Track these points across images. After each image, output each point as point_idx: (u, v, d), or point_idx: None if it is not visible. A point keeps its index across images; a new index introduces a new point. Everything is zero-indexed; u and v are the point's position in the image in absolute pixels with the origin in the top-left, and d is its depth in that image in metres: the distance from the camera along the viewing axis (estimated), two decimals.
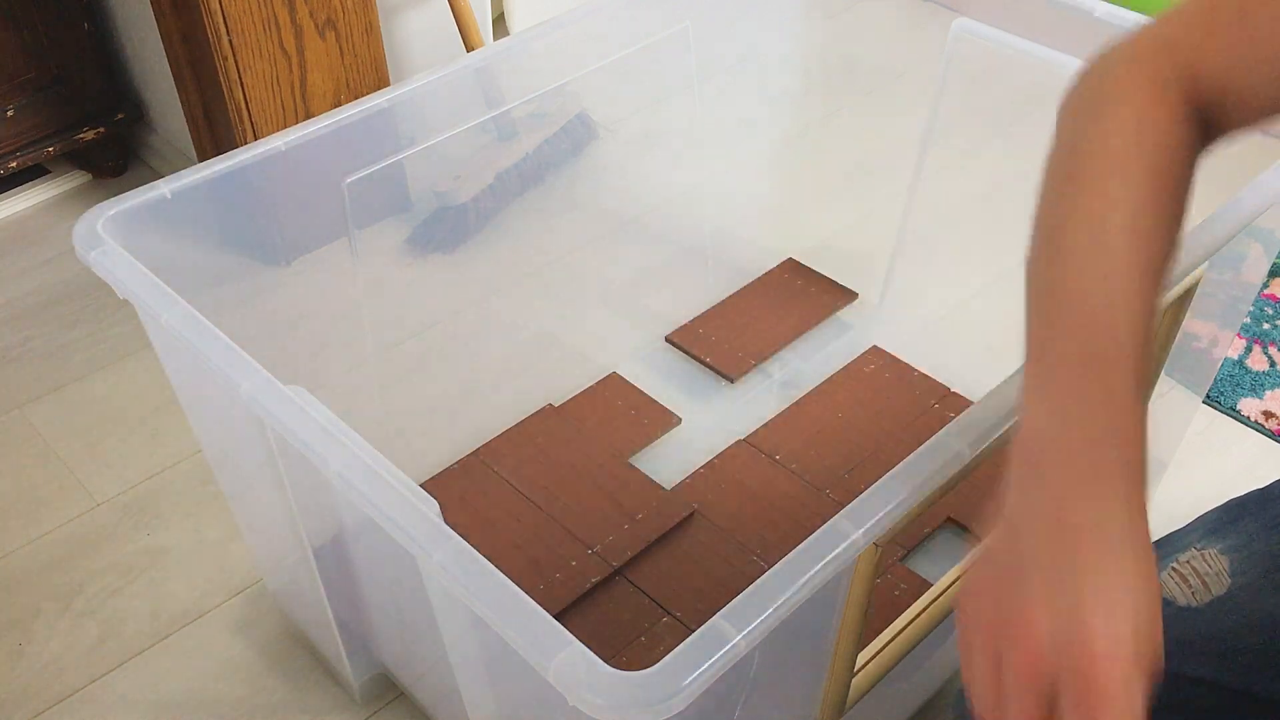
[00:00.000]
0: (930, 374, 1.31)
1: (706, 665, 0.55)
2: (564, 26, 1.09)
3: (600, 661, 0.54)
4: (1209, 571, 0.72)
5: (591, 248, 1.36)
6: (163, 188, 0.88)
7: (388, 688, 1.06)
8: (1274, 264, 1.32)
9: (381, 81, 1.43)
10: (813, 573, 0.59)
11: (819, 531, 0.61)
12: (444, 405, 1.24)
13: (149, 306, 0.78)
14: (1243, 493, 0.78)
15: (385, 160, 1.03)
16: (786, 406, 1.28)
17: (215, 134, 1.41)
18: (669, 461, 1.24)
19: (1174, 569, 0.73)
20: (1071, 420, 0.47)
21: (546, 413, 1.27)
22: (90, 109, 1.62)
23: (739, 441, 1.24)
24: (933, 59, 1.21)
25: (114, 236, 0.83)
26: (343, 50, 1.37)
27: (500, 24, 1.80)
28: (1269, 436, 1.29)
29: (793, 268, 1.47)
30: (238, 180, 0.92)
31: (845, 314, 1.42)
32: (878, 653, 0.76)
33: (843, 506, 0.62)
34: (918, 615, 0.77)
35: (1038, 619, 0.44)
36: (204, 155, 1.47)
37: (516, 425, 1.26)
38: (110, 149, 1.68)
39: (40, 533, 1.21)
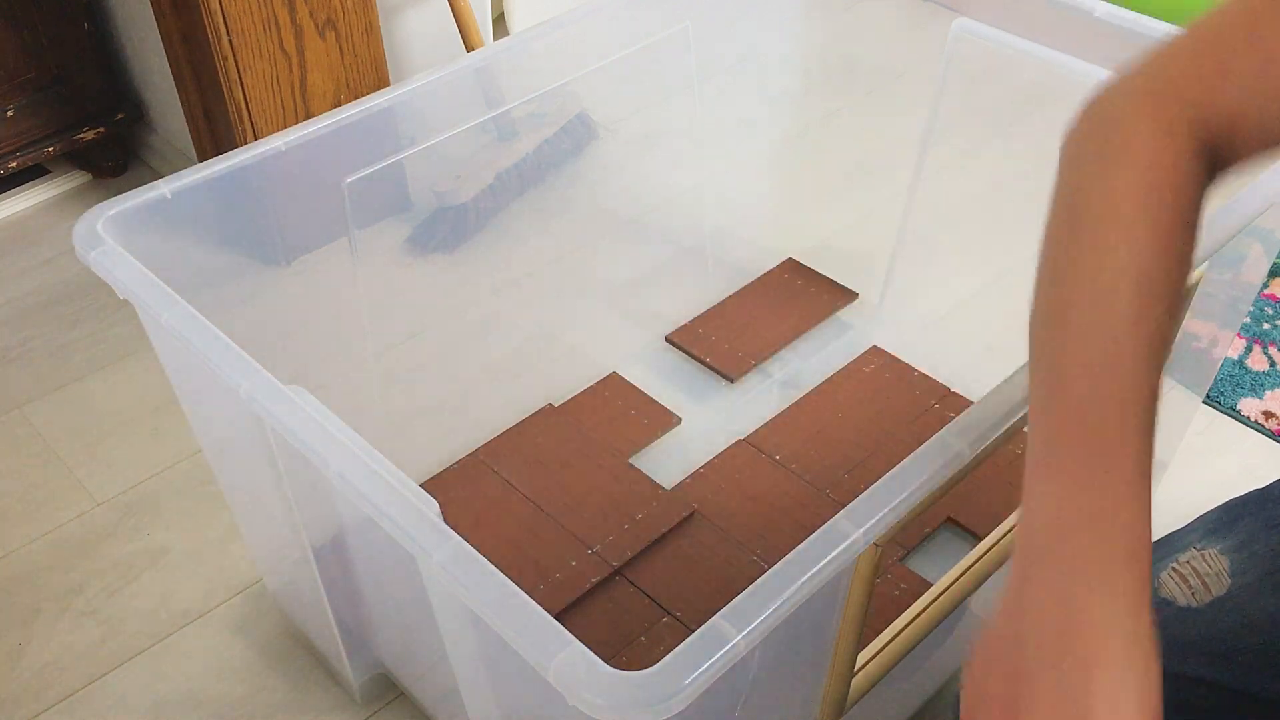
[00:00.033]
0: (930, 374, 1.31)
1: (706, 665, 0.55)
2: (564, 26, 1.09)
3: (600, 661, 0.54)
4: (1209, 572, 0.72)
5: (591, 248, 1.36)
6: (163, 188, 0.88)
7: (388, 688, 1.06)
8: (1274, 264, 1.32)
9: (381, 81, 1.43)
10: (813, 573, 0.59)
11: (819, 531, 0.61)
12: (444, 405, 1.24)
13: (149, 306, 0.78)
14: (1243, 493, 0.78)
15: (385, 160, 1.03)
16: (786, 406, 1.28)
17: (215, 134, 1.41)
18: (669, 461, 1.24)
19: (1174, 569, 0.73)
20: (1076, 512, 0.47)
21: (546, 413, 1.27)
22: (90, 109, 1.62)
23: (739, 441, 1.24)
24: (933, 59, 1.21)
25: (114, 236, 0.83)
26: (343, 50, 1.37)
27: (500, 24, 1.80)
28: (1269, 436, 1.29)
29: (793, 268, 1.47)
30: (238, 180, 0.92)
31: (845, 314, 1.42)
32: (878, 653, 0.76)
33: (843, 506, 0.62)
34: (918, 615, 0.77)
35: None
36: (204, 155, 1.47)
37: (516, 425, 1.26)
38: (110, 149, 1.68)
39: (40, 533, 1.21)
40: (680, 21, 1.23)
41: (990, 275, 1.25)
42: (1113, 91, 0.55)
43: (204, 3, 1.24)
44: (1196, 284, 0.84)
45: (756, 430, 1.25)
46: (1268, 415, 1.31)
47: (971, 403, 0.82)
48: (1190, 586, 0.72)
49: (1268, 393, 1.33)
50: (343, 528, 0.86)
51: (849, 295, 1.42)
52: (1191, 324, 0.96)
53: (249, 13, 1.27)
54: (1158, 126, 0.52)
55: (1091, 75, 1.04)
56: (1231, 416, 1.31)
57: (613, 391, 1.31)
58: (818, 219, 1.54)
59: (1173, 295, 0.51)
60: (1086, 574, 0.46)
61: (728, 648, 0.55)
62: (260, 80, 1.32)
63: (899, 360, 1.33)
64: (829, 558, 0.60)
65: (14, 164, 1.57)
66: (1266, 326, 1.42)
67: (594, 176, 1.35)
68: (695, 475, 1.20)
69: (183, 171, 0.89)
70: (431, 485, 1.19)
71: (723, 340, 1.37)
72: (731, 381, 1.33)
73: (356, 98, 1.15)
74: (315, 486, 0.81)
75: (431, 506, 0.64)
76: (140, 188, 0.88)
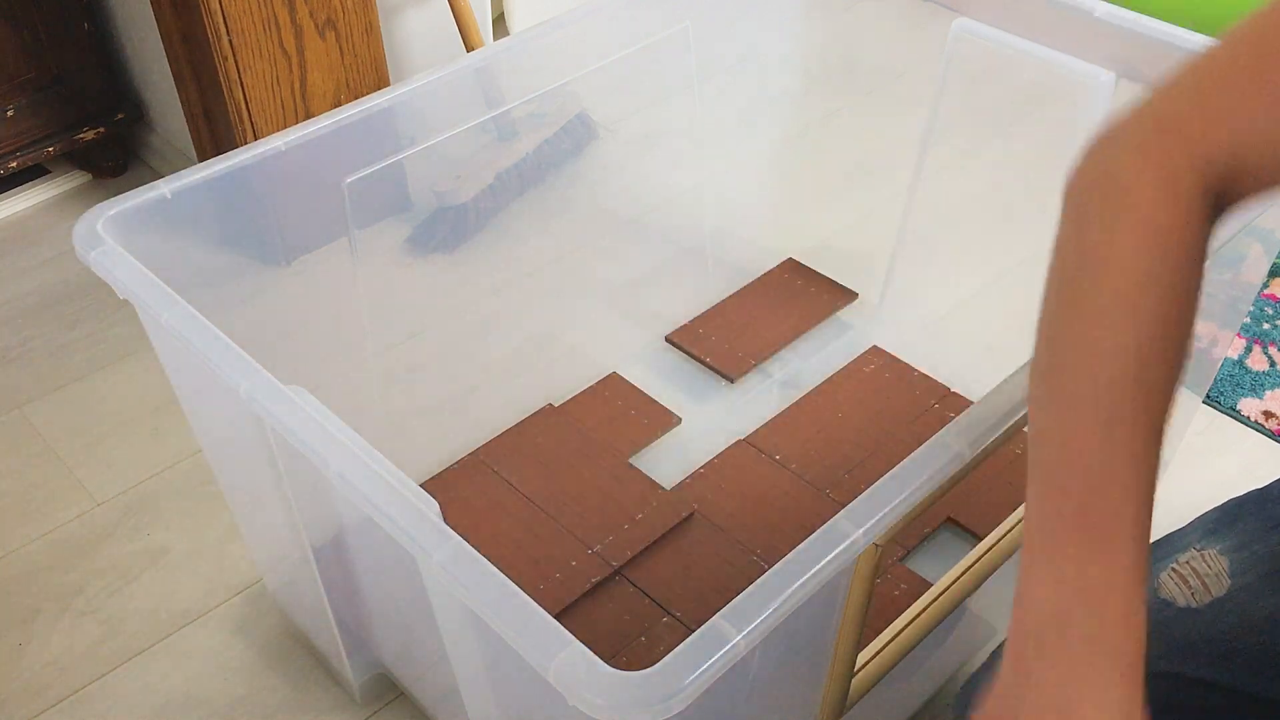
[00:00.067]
0: (930, 374, 1.31)
1: (706, 665, 0.55)
2: (564, 26, 1.09)
3: (600, 661, 0.54)
4: (1209, 572, 0.72)
5: (591, 248, 1.36)
6: (163, 188, 0.88)
7: (388, 688, 1.06)
8: (1274, 264, 1.32)
9: (381, 81, 1.43)
10: (813, 573, 0.59)
11: (819, 531, 0.61)
12: (444, 405, 1.24)
13: (149, 306, 0.78)
14: (1242, 493, 0.78)
15: (385, 160, 1.03)
16: (786, 406, 1.28)
17: (215, 134, 1.41)
18: (669, 461, 1.24)
19: (1174, 570, 0.73)
20: (1075, 601, 0.47)
21: (546, 413, 1.27)
22: (90, 109, 1.62)
23: (739, 441, 1.24)
24: (933, 59, 1.21)
25: (114, 236, 0.83)
26: (343, 50, 1.37)
27: (500, 24, 1.80)
28: (1269, 436, 1.29)
29: (793, 268, 1.47)
30: (237, 180, 0.92)
31: (845, 314, 1.42)
32: (878, 653, 0.76)
33: (843, 506, 0.63)
34: (918, 615, 0.77)
35: None
36: (204, 155, 1.47)
37: (516, 425, 1.26)
38: (110, 149, 1.68)
39: (40, 533, 1.21)
40: (680, 21, 1.23)
41: (990, 275, 1.25)
42: (1115, 135, 0.53)
43: (204, 3, 1.24)
44: None
45: (756, 430, 1.25)
46: (1268, 415, 1.31)
47: (971, 403, 0.82)
48: (1190, 587, 0.72)
49: (1268, 393, 1.33)
50: (343, 528, 0.86)
51: (849, 295, 1.42)
52: None
53: (249, 13, 1.27)
54: (1161, 177, 0.51)
55: (1091, 75, 1.04)
56: (1231, 416, 1.31)
57: (613, 391, 1.31)
58: (818, 219, 1.54)
59: (1175, 370, 0.50)
60: (1083, 684, 0.46)
61: (728, 648, 0.55)
62: (260, 80, 1.32)
63: (899, 360, 1.33)
64: (829, 558, 0.60)
65: (14, 164, 1.57)
66: (1266, 326, 1.42)
67: (594, 176, 1.35)
68: (695, 475, 1.20)
69: (183, 171, 0.90)
70: (431, 485, 1.19)
71: (723, 340, 1.37)
72: (731, 381, 1.33)
73: (356, 98, 1.15)
74: (315, 486, 0.81)
75: (431, 506, 0.64)
76: (140, 188, 0.88)
